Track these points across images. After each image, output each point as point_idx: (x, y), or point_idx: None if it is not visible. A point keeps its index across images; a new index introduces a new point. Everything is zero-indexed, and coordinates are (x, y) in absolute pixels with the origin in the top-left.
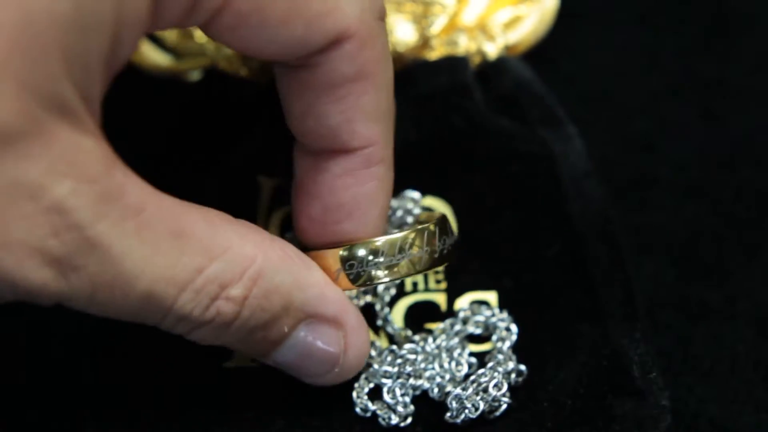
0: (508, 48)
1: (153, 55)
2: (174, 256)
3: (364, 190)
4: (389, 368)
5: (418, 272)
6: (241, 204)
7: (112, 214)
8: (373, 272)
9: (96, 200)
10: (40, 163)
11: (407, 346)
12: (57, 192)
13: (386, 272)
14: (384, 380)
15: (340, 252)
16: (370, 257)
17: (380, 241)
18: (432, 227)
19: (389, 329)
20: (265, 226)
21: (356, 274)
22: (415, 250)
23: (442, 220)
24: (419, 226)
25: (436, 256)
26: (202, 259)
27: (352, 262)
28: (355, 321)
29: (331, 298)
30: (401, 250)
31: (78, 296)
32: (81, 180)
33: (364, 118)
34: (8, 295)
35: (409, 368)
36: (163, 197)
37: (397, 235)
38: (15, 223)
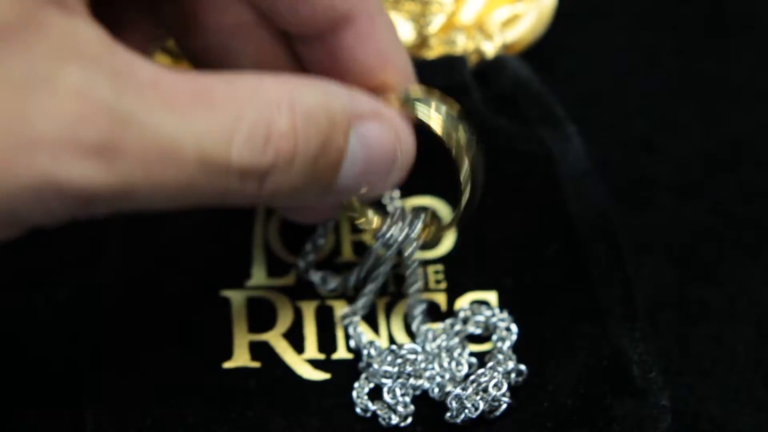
0: (506, 47)
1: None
2: (208, 115)
3: (383, 43)
4: (389, 368)
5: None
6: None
7: (131, 89)
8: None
9: (110, 78)
10: (43, 52)
11: (407, 346)
12: (69, 77)
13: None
14: (384, 380)
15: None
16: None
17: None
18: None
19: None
20: (265, 225)
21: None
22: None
23: None
24: None
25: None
26: (236, 108)
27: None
28: (390, 111)
29: (363, 97)
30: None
31: (132, 184)
32: (87, 62)
33: None
34: (57, 206)
35: (409, 368)
36: (172, 70)
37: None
38: (38, 118)
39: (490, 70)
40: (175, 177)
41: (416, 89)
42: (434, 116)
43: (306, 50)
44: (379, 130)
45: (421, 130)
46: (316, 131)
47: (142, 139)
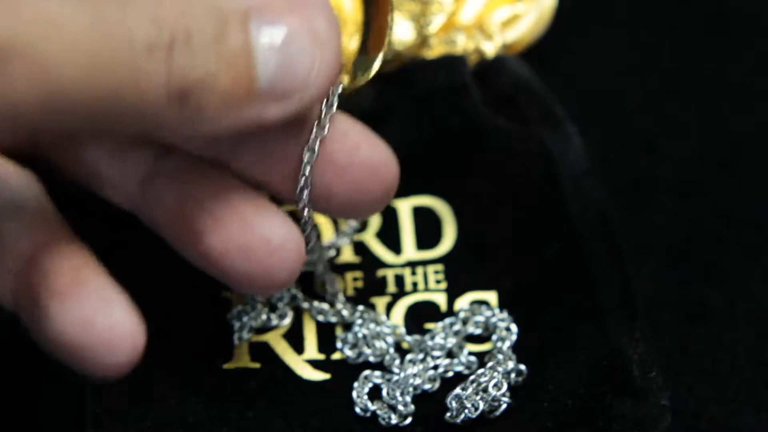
0: (506, 47)
1: None
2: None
3: None
4: (389, 368)
5: None
6: None
7: None
8: None
9: None
10: None
11: (407, 345)
12: None
13: None
14: (384, 380)
15: None
16: None
17: None
18: None
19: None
20: None
21: None
22: None
23: None
24: None
25: None
26: None
27: None
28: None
29: None
30: None
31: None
32: None
33: None
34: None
35: (409, 368)
36: None
37: None
38: None
39: (490, 70)
40: (76, 45)
41: None
42: None
43: None
44: (287, 22)
45: (419, 129)
46: (204, 14)
47: (34, 8)
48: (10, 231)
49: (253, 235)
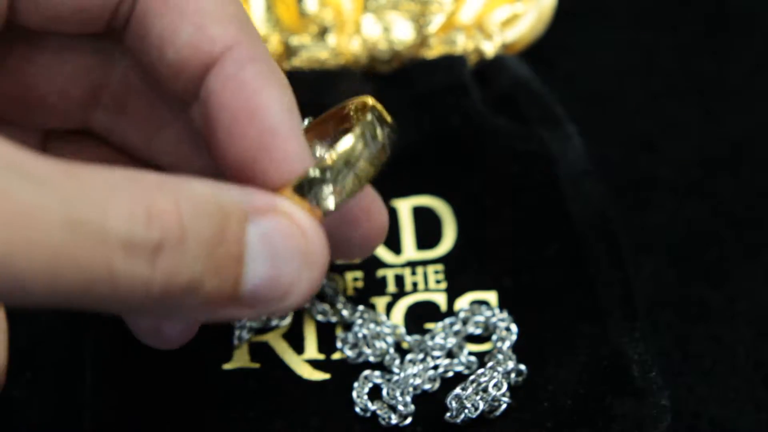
0: (505, 46)
1: None
2: (78, 186)
3: (256, 97)
4: (389, 368)
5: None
6: None
7: None
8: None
9: None
10: None
11: (407, 345)
12: None
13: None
14: (384, 380)
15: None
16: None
17: (329, 156)
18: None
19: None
20: None
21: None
22: (362, 163)
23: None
24: (358, 126)
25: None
26: (112, 183)
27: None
28: (289, 205)
29: (258, 192)
30: (348, 163)
31: None
32: None
33: (214, 21)
34: None
35: (409, 368)
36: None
37: (345, 145)
38: None
39: (489, 69)
40: (41, 240)
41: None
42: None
43: (194, 115)
44: (279, 225)
45: (419, 129)
46: (206, 215)
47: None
48: None
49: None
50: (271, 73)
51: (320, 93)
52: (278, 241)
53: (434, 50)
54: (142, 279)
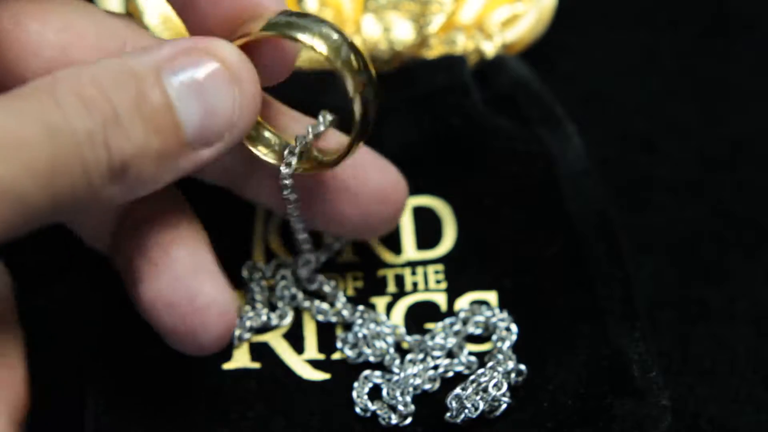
0: (505, 46)
1: None
2: (30, 100)
3: None
4: (389, 368)
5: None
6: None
7: None
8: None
9: None
10: None
11: (407, 346)
12: None
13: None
14: (384, 380)
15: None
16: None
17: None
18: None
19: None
20: (265, 225)
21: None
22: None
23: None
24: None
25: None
26: (49, 90)
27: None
28: (211, 43)
29: (170, 43)
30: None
31: None
32: None
33: None
34: None
35: (409, 368)
36: None
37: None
38: None
39: (489, 69)
40: (37, 157)
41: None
42: (317, 42)
43: None
44: (190, 62)
45: (420, 129)
46: (121, 83)
47: None
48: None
49: (180, 291)
50: None
51: (320, 93)
52: (197, 76)
53: (434, 50)
54: (105, 163)
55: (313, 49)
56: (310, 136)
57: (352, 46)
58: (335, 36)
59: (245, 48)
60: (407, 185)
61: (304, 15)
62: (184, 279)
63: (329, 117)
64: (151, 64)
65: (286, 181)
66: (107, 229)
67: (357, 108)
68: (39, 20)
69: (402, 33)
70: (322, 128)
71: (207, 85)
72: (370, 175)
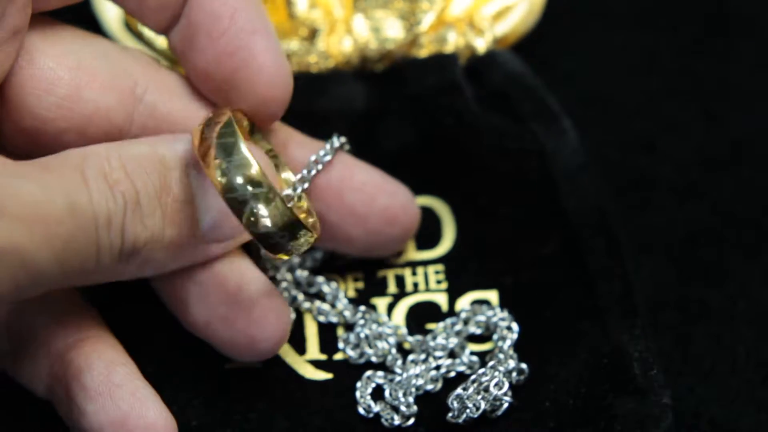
0: (497, 40)
1: None
2: (58, 176)
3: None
4: (391, 369)
5: None
6: None
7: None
8: None
9: None
10: None
11: (409, 346)
12: None
13: None
14: (386, 380)
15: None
16: None
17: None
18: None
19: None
20: None
21: None
22: None
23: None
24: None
25: None
26: (76, 167)
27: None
28: None
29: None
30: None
31: (20, 244)
32: None
33: None
34: None
35: (411, 368)
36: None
37: None
38: None
39: (481, 66)
40: (56, 231)
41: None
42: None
43: (174, 41)
44: None
45: (414, 130)
46: (148, 170)
47: (19, 202)
48: (42, 328)
49: (235, 306)
50: None
51: (311, 97)
52: None
53: (425, 49)
54: (118, 247)
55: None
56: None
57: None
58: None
59: None
60: (417, 207)
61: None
62: (236, 293)
63: (337, 142)
64: (180, 155)
65: None
66: None
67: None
68: (52, 58)
69: (392, 32)
70: (328, 158)
71: None
72: (377, 198)
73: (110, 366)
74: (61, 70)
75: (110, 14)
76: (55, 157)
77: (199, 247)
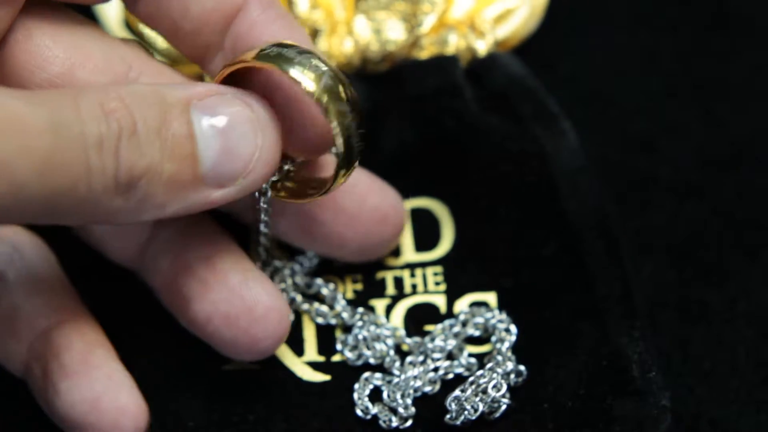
0: (498, 43)
1: None
2: (50, 98)
3: (283, 32)
4: (389, 370)
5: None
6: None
7: None
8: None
9: None
10: None
11: (407, 348)
12: None
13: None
14: (384, 382)
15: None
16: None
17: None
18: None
19: (387, 332)
20: None
21: None
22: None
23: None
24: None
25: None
26: (72, 93)
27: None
28: (238, 91)
29: (197, 83)
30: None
31: None
32: None
33: None
34: None
35: (409, 370)
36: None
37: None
38: None
39: (482, 68)
40: (34, 145)
41: (285, 43)
42: (306, 77)
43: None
44: (222, 102)
45: (414, 132)
46: (148, 102)
47: None
48: (26, 305)
49: (237, 304)
50: (286, 14)
51: None
52: (224, 116)
53: (426, 51)
54: (111, 171)
55: (300, 85)
56: (288, 165)
57: (338, 78)
58: (323, 68)
59: (239, 74)
60: (405, 208)
61: (294, 47)
62: (238, 291)
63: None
64: (182, 96)
65: (263, 205)
66: (133, 250)
67: (339, 141)
68: (50, 36)
69: (393, 33)
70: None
71: (232, 126)
72: (367, 198)
73: (89, 346)
74: (57, 49)
75: (110, 14)
76: (51, 89)
77: (200, 191)
